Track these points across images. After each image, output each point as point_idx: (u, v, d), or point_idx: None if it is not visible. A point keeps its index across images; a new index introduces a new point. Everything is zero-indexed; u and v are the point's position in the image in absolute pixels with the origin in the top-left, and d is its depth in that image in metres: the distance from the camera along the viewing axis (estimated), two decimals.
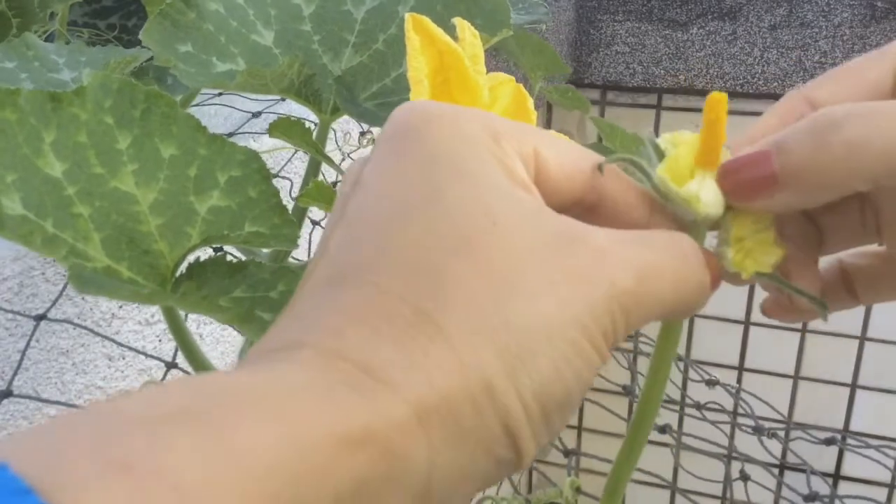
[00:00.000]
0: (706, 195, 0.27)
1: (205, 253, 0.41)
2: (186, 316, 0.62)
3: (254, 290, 0.37)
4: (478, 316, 0.23)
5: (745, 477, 0.78)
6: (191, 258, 0.39)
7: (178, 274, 0.38)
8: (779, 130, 0.28)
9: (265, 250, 0.50)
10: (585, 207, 0.28)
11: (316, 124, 0.51)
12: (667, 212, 0.29)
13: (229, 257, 0.39)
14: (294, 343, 0.22)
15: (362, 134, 0.92)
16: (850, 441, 1.03)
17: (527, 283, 0.23)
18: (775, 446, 0.85)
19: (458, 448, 0.22)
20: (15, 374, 0.55)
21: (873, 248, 0.33)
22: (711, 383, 0.99)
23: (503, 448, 0.22)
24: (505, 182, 0.25)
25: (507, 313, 0.23)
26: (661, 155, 0.29)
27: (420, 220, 0.24)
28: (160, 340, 0.69)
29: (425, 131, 0.25)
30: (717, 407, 0.96)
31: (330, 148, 0.82)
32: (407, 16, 0.31)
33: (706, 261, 0.27)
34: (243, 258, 0.41)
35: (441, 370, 0.22)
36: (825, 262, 0.34)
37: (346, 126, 0.90)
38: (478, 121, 0.26)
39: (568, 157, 0.27)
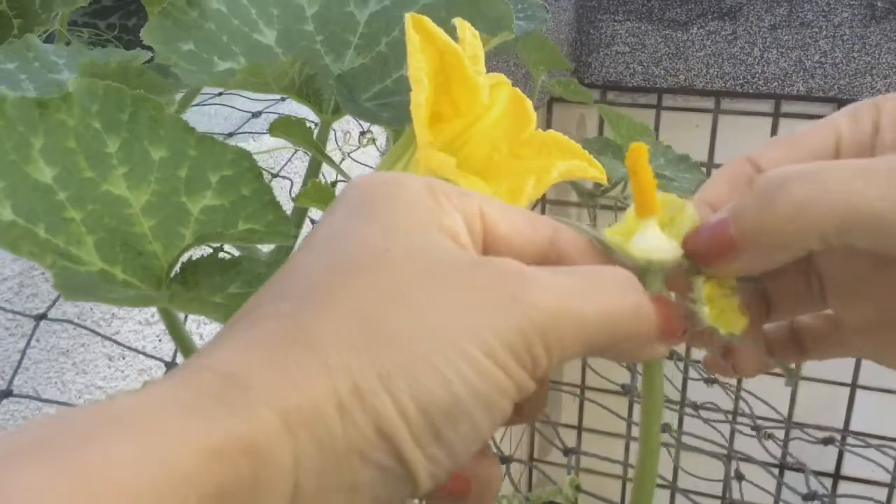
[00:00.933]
0: (641, 241, 0.28)
1: (201, 252, 0.41)
2: (186, 316, 0.62)
3: (249, 286, 0.37)
4: (353, 325, 0.23)
5: (743, 476, 0.78)
6: (185, 258, 0.39)
7: (172, 274, 0.38)
8: (728, 194, 0.30)
9: (264, 250, 0.50)
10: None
11: (316, 124, 0.51)
12: (629, 264, 0.29)
13: (227, 257, 0.39)
14: (179, 368, 0.23)
15: (362, 134, 0.92)
16: (849, 441, 1.03)
17: (417, 298, 0.23)
18: (775, 446, 0.85)
19: (328, 454, 0.22)
20: (15, 373, 0.55)
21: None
22: (710, 382, 0.99)
23: (381, 454, 0.22)
24: (421, 226, 0.25)
25: (387, 323, 0.23)
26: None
27: (324, 253, 0.25)
28: (160, 340, 0.69)
29: (365, 189, 0.27)
30: (716, 407, 0.96)
31: (330, 148, 0.82)
32: (407, 15, 0.31)
33: (658, 303, 0.27)
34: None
35: (307, 376, 0.22)
36: (778, 325, 0.35)
37: (346, 126, 0.90)
38: (420, 181, 0.26)
39: (516, 215, 0.28)
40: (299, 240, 0.40)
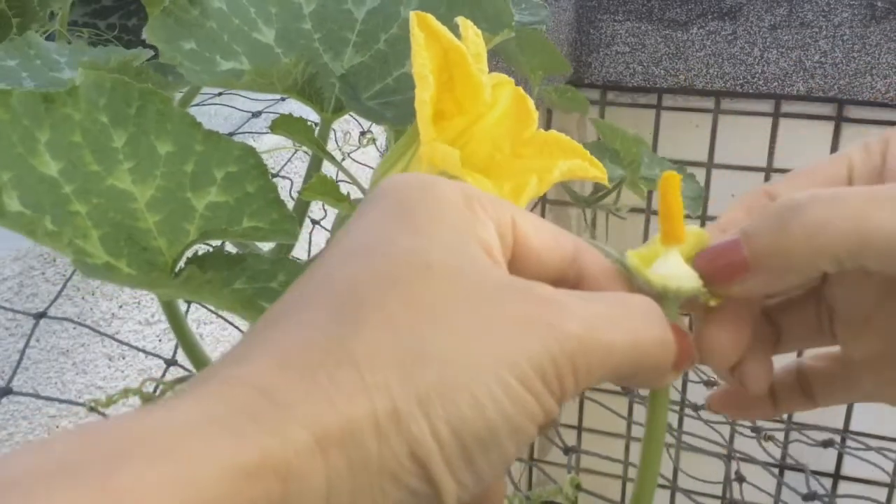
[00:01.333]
0: (661, 268, 0.28)
1: (203, 249, 0.41)
2: (186, 313, 0.62)
3: (254, 281, 0.37)
4: (392, 343, 0.22)
5: (745, 479, 0.78)
6: (189, 254, 0.39)
7: (177, 270, 0.38)
8: (745, 221, 0.29)
9: (265, 248, 0.50)
10: (569, 286, 0.28)
11: (317, 124, 0.51)
12: (645, 289, 0.29)
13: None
14: (205, 376, 0.22)
15: (362, 133, 0.92)
16: (848, 443, 1.03)
17: (455, 320, 0.23)
18: (774, 446, 0.85)
19: (361, 475, 0.21)
20: (14, 373, 0.55)
21: (831, 351, 0.34)
22: (710, 384, 0.99)
23: (413, 478, 0.22)
24: (460, 239, 0.25)
25: (427, 344, 0.23)
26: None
27: (361, 261, 0.25)
28: (160, 340, 0.69)
29: (400, 188, 0.26)
30: None
31: (330, 148, 0.82)
32: (411, 13, 0.31)
33: (675, 332, 0.27)
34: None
35: (344, 395, 0.21)
36: (784, 365, 0.35)
37: (346, 126, 0.90)
38: (456, 188, 0.26)
39: (545, 228, 0.28)
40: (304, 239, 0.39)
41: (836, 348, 0.34)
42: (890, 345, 0.31)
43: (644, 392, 0.93)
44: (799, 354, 0.36)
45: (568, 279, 0.28)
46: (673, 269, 0.29)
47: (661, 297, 0.29)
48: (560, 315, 0.24)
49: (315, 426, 0.21)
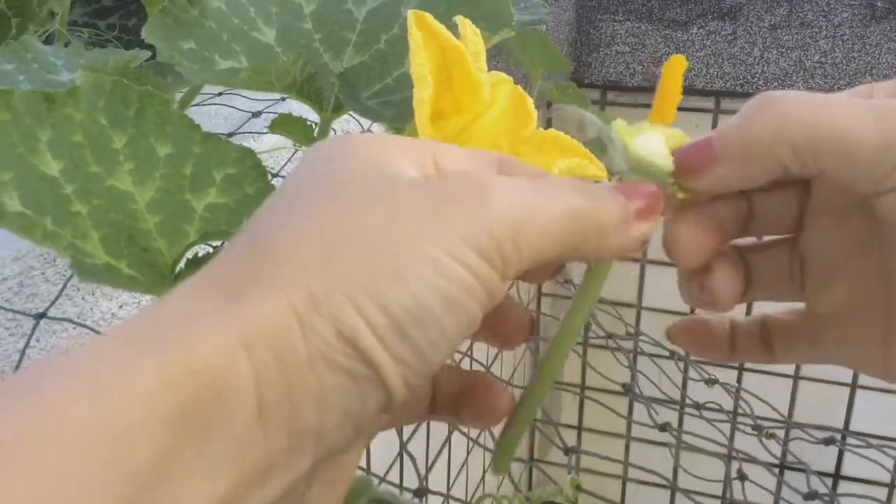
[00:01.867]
0: (642, 140, 0.30)
1: (204, 250, 0.41)
2: None
3: None
4: (310, 237, 0.23)
5: (746, 477, 0.78)
6: (189, 255, 0.39)
7: (176, 271, 0.38)
8: None
9: None
10: None
11: (317, 124, 0.51)
12: (618, 159, 0.31)
13: None
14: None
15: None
16: (849, 441, 1.03)
17: (379, 207, 0.23)
18: (775, 445, 0.85)
19: (290, 363, 0.21)
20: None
21: (798, 306, 0.35)
22: (711, 382, 0.99)
23: (346, 358, 0.22)
24: (385, 162, 0.25)
25: (347, 231, 0.23)
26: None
27: (284, 195, 0.25)
28: None
29: (324, 148, 0.27)
30: (716, 406, 0.96)
31: None
32: (409, 12, 0.31)
33: (627, 186, 0.28)
34: None
35: (262, 293, 0.22)
36: (751, 315, 0.36)
37: (346, 125, 0.90)
38: (374, 137, 0.27)
39: (468, 159, 0.28)
40: None
41: (802, 306, 0.34)
42: (855, 300, 0.32)
43: (644, 393, 0.93)
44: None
45: None
46: (652, 144, 0.30)
47: (632, 168, 0.30)
48: (495, 190, 0.24)
49: (235, 328, 0.21)
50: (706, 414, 0.93)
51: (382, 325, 0.22)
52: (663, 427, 0.81)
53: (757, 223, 0.33)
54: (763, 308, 0.36)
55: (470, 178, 0.25)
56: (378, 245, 0.23)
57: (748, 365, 1.59)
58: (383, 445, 0.77)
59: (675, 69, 0.31)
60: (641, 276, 1.51)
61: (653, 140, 0.30)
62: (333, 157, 0.26)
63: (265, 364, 0.21)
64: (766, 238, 0.34)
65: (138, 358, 0.20)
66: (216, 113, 0.89)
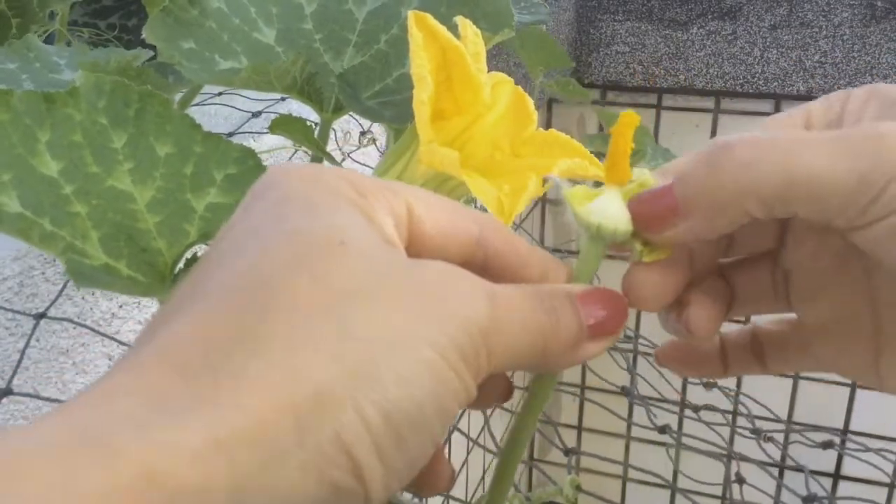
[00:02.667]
0: (597, 205, 0.28)
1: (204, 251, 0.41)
2: None
3: None
4: (309, 324, 0.21)
5: (745, 480, 0.78)
6: (188, 255, 0.39)
7: (176, 271, 0.38)
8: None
9: None
10: (476, 268, 0.27)
11: (317, 124, 0.51)
12: (561, 270, 0.29)
13: None
14: (92, 386, 0.20)
15: (362, 133, 0.92)
16: (848, 444, 1.03)
17: (372, 295, 0.22)
18: (774, 447, 0.85)
19: (276, 471, 0.19)
20: (14, 373, 0.55)
21: (787, 316, 0.34)
22: (710, 385, 0.99)
23: (340, 471, 0.20)
24: (362, 221, 0.24)
25: (346, 322, 0.21)
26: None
27: (258, 244, 0.23)
28: None
29: (285, 181, 0.25)
30: (716, 408, 0.96)
31: (330, 148, 0.82)
32: (410, 13, 0.31)
33: (583, 300, 0.26)
34: None
35: (252, 388, 0.20)
36: (741, 327, 0.35)
37: (346, 126, 0.90)
38: (344, 177, 0.25)
39: (443, 212, 0.27)
40: None
41: (792, 315, 0.33)
42: (842, 314, 0.31)
43: (644, 393, 0.93)
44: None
45: (475, 261, 0.27)
46: (607, 208, 0.28)
47: (592, 237, 0.28)
48: (471, 291, 0.24)
49: (215, 428, 0.19)
50: (705, 416, 0.93)
51: (382, 433, 0.21)
52: (663, 429, 0.81)
53: (737, 248, 0.33)
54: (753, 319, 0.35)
55: (455, 275, 0.24)
56: (381, 339, 0.21)
57: None
58: None
59: (626, 126, 0.28)
60: None
61: (607, 203, 0.28)
62: (307, 201, 0.24)
63: (246, 473, 0.19)
64: (748, 253, 0.34)
65: (82, 461, 0.18)
66: (216, 113, 0.89)
